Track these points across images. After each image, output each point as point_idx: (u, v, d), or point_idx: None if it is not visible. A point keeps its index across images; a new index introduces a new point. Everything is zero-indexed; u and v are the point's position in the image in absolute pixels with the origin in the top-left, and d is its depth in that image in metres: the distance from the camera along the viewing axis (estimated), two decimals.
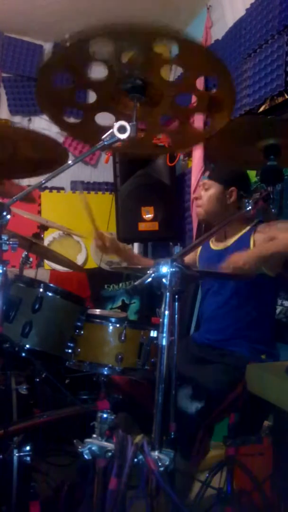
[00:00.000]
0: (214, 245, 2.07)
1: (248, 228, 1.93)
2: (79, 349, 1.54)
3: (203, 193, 2.00)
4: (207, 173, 2.04)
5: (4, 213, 1.17)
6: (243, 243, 1.89)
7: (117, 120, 1.27)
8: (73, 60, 1.22)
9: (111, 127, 1.23)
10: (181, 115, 1.46)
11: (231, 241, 1.96)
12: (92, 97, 1.35)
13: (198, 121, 2.24)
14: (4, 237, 1.17)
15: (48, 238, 3.74)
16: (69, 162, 1.30)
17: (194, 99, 1.40)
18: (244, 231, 1.94)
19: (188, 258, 2.12)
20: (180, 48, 1.19)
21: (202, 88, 1.62)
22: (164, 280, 1.15)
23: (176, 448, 1.18)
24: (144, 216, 3.20)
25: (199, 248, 2.14)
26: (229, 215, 1.95)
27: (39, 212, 3.80)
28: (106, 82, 1.28)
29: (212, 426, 1.74)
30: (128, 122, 1.23)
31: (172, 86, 1.35)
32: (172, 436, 1.25)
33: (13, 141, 1.42)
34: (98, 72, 1.28)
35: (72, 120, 1.47)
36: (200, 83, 1.60)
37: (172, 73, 2.56)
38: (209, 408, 1.62)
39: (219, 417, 1.70)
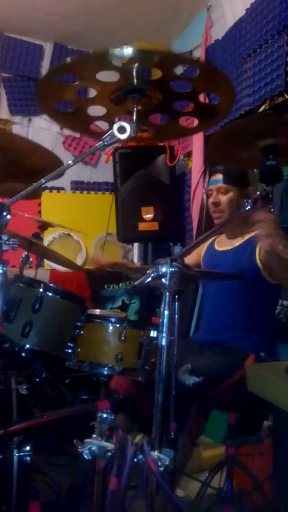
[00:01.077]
0: (219, 246, 2.06)
1: (255, 231, 1.90)
2: (79, 349, 1.54)
3: (221, 197, 1.95)
4: (218, 176, 1.98)
5: (4, 213, 1.17)
6: (250, 247, 1.87)
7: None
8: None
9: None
10: (173, 116, 1.48)
11: (237, 243, 1.95)
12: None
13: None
14: (4, 237, 1.17)
15: (48, 238, 3.74)
16: (69, 162, 1.30)
17: (191, 106, 1.42)
18: (251, 234, 1.89)
19: (191, 259, 2.11)
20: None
21: (204, 99, 1.66)
22: (164, 280, 1.15)
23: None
24: (144, 216, 3.20)
25: (203, 249, 2.14)
26: (229, 216, 1.96)
27: (39, 212, 3.79)
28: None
29: (208, 411, 1.74)
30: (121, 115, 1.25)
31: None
32: (172, 436, 1.25)
33: (11, 149, 1.43)
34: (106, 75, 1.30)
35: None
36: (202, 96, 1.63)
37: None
38: (206, 384, 1.63)
39: (216, 399, 1.71)
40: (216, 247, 2.07)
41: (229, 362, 1.75)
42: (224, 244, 2.03)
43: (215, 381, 1.68)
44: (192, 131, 1.89)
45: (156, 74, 1.29)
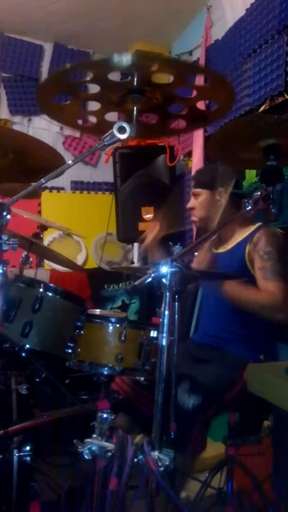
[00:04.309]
0: (215, 248, 2.06)
1: (248, 232, 1.90)
2: (79, 349, 1.54)
3: (194, 201, 2.02)
4: (192, 183, 2.06)
5: (4, 213, 1.17)
6: (240, 249, 1.87)
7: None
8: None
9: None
10: (163, 116, 1.49)
11: (230, 245, 1.95)
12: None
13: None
14: (4, 237, 1.17)
15: (48, 238, 3.75)
16: (69, 162, 1.30)
17: (185, 110, 1.43)
18: (244, 235, 1.91)
19: (199, 261, 2.11)
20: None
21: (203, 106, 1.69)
22: (164, 280, 1.15)
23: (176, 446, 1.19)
24: (144, 216, 3.20)
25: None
26: (228, 216, 1.95)
27: (39, 212, 3.79)
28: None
29: (208, 421, 1.74)
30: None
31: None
32: (172, 436, 1.25)
33: (12, 147, 1.43)
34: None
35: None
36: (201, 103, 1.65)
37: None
38: (206, 404, 1.62)
39: (216, 413, 1.70)
40: (213, 248, 2.07)
41: (228, 375, 1.73)
42: (219, 245, 2.04)
43: (216, 397, 1.67)
44: (176, 132, 1.95)
45: (164, 78, 1.30)
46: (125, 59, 1.17)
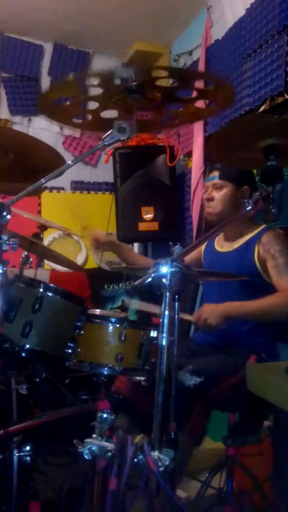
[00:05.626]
0: (219, 247, 2.05)
1: (255, 233, 1.90)
2: (79, 349, 1.54)
3: (215, 193, 1.95)
4: (215, 173, 1.98)
5: (4, 213, 1.17)
6: (248, 250, 1.87)
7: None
8: None
9: None
10: (158, 113, 1.50)
11: (237, 244, 1.95)
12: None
13: None
14: (4, 237, 1.17)
15: (48, 238, 3.74)
16: (69, 162, 1.30)
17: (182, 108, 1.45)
18: (250, 236, 1.91)
19: (190, 258, 2.11)
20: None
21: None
22: (164, 280, 1.15)
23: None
24: (144, 216, 3.20)
25: (203, 249, 2.14)
26: (229, 215, 1.95)
27: (39, 212, 3.79)
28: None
29: (209, 410, 1.74)
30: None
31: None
32: (172, 436, 1.25)
33: (12, 147, 1.44)
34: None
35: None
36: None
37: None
38: (207, 384, 1.62)
39: (217, 399, 1.70)
40: (217, 247, 2.06)
41: (231, 361, 1.75)
42: (224, 245, 2.03)
43: (217, 380, 1.68)
44: (167, 127, 1.95)
45: (166, 81, 1.31)
46: (126, 70, 1.18)
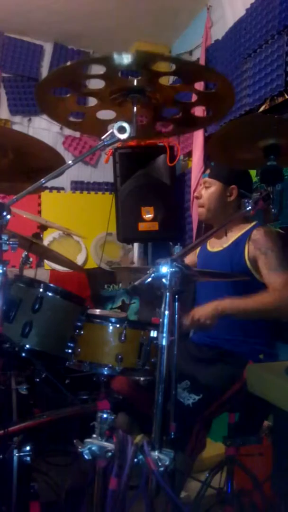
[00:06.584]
0: (211, 247, 2.05)
1: (244, 231, 1.90)
2: (79, 349, 1.54)
3: (204, 191, 1.98)
4: (207, 171, 2.02)
5: (4, 213, 1.17)
6: (238, 248, 1.87)
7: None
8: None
9: None
10: (153, 119, 1.51)
11: (226, 243, 1.95)
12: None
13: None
14: (4, 237, 1.17)
15: (48, 238, 3.74)
16: (69, 162, 1.30)
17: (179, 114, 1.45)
18: (239, 234, 1.91)
19: (188, 260, 2.11)
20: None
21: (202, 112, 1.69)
22: (164, 280, 1.14)
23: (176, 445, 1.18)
24: (144, 216, 3.20)
25: (198, 250, 2.14)
26: (229, 215, 1.95)
27: (39, 212, 3.79)
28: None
29: (209, 422, 1.74)
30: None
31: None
32: (172, 436, 1.25)
33: (12, 147, 1.44)
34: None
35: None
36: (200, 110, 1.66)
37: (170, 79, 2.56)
38: (206, 401, 1.62)
39: (216, 412, 1.70)
40: (208, 247, 2.06)
41: (228, 373, 1.73)
42: (214, 244, 2.03)
43: (216, 395, 1.67)
44: (161, 135, 1.98)
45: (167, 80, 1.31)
46: (126, 58, 1.17)
